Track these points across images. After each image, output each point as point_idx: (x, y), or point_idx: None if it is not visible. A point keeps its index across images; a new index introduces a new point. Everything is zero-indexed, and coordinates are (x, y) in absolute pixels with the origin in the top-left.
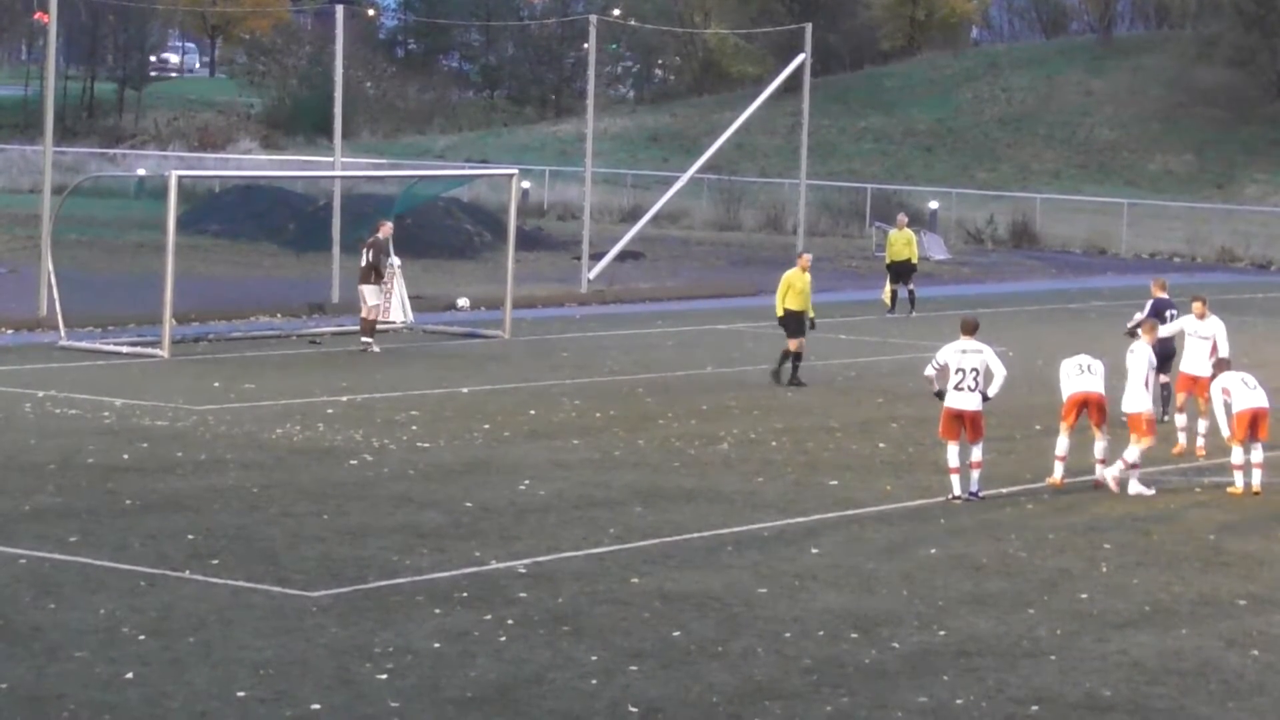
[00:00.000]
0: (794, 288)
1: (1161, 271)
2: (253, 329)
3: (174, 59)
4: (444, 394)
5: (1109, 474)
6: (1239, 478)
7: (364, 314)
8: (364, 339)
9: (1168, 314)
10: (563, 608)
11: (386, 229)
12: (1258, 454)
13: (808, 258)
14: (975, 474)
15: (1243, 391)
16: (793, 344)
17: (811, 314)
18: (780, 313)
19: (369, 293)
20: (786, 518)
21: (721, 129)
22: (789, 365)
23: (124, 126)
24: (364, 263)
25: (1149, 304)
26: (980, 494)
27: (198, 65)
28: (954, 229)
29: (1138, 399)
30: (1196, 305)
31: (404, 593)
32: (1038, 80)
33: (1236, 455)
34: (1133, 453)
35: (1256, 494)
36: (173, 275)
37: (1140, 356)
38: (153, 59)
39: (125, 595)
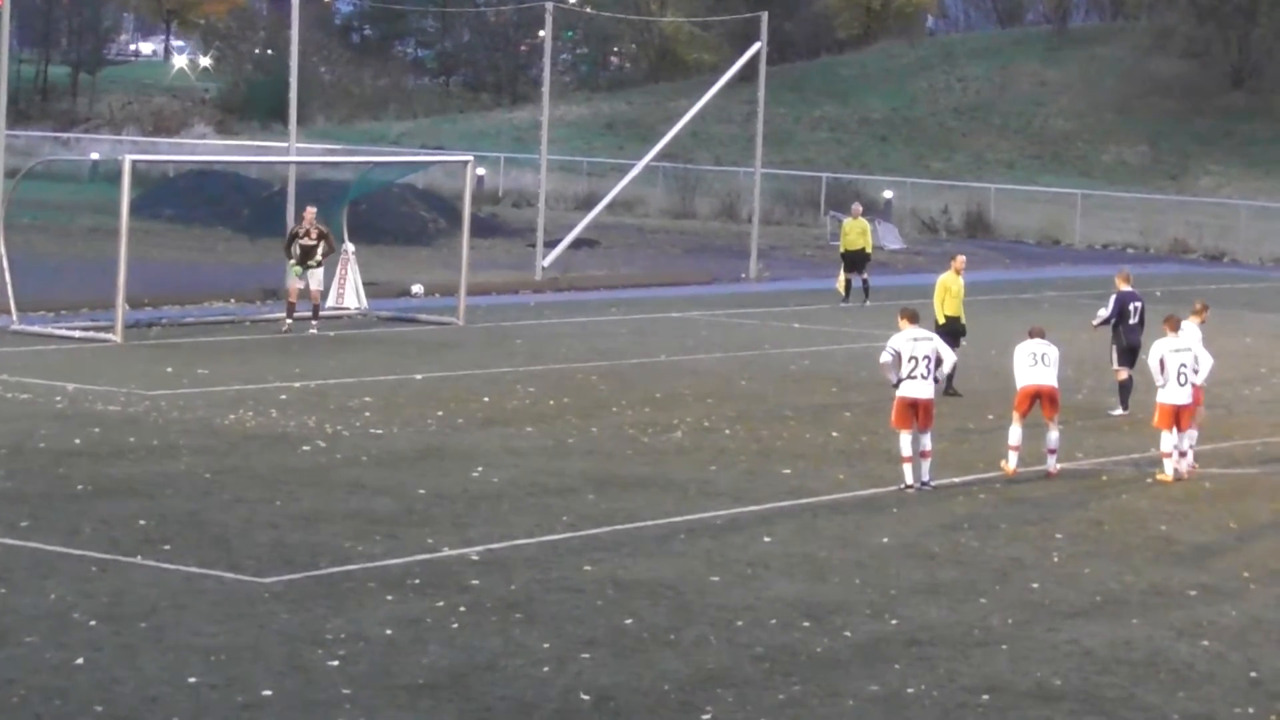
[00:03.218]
0: (950, 291)
1: (1115, 263)
2: (206, 314)
3: (145, 49)
4: (398, 380)
5: (1182, 466)
6: (1168, 465)
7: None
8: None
9: (1131, 306)
10: (515, 595)
11: (308, 215)
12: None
13: (962, 259)
14: (927, 463)
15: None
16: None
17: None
18: (941, 320)
19: (288, 275)
20: (740, 506)
21: (677, 117)
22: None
23: (78, 110)
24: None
25: (1113, 298)
26: (932, 483)
27: (174, 59)
28: (909, 218)
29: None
30: (1197, 306)
31: (356, 579)
32: (993, 70)
33: (1166, 442)
34: (1186, 439)
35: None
36: (126, 260)
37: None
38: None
39: (76, 581)
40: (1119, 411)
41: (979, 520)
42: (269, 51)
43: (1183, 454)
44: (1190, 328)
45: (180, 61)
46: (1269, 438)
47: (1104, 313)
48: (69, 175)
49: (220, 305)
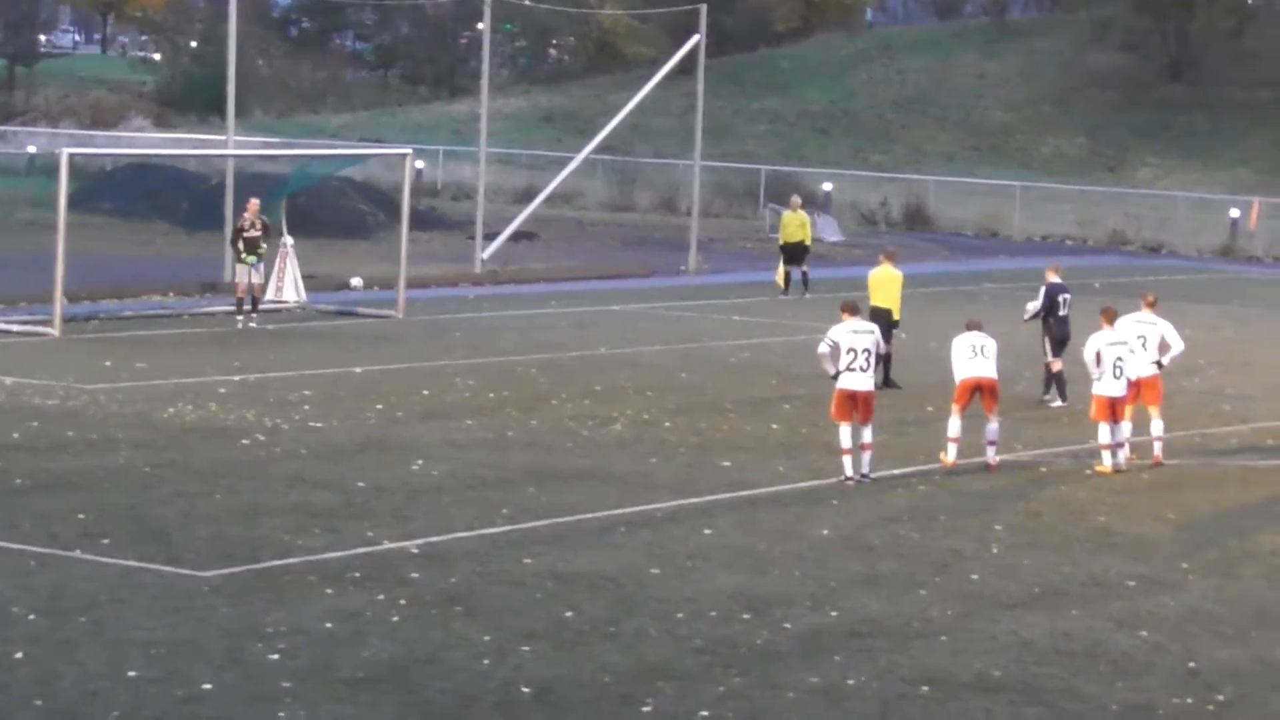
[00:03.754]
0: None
1: (1054, 255)
2: (145, 308)
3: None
4: (337, 373)
5: (1120, 458)
6: (1107, 456)
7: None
8: (237, 315)
9: (1060, 298)
10: (455, 588)
11: (251, 207)
12: (1157, 427)
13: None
14: (867, 455)
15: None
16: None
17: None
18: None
19: (238, 271)
20: (680, 498)
21: (616, 110)
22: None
23: (14, 103)
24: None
25: (1042, 289)
26: (872, 475)
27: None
28: (848, 210)
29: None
30: (1148, 299)
31: (296, 572)
32: (932, 63)
33: (1103, 434)
34: (1157, 426)
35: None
36: (64, 253)
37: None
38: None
39: (15, 575)
40: (1059, 404)
41: (918, 512)
42: (206, 45)
43: (1120, 445)
44: (1148, 316)
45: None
46: (1207, 429)
47: (1034, 306)
48: (6, 168)
49: (159, 299)
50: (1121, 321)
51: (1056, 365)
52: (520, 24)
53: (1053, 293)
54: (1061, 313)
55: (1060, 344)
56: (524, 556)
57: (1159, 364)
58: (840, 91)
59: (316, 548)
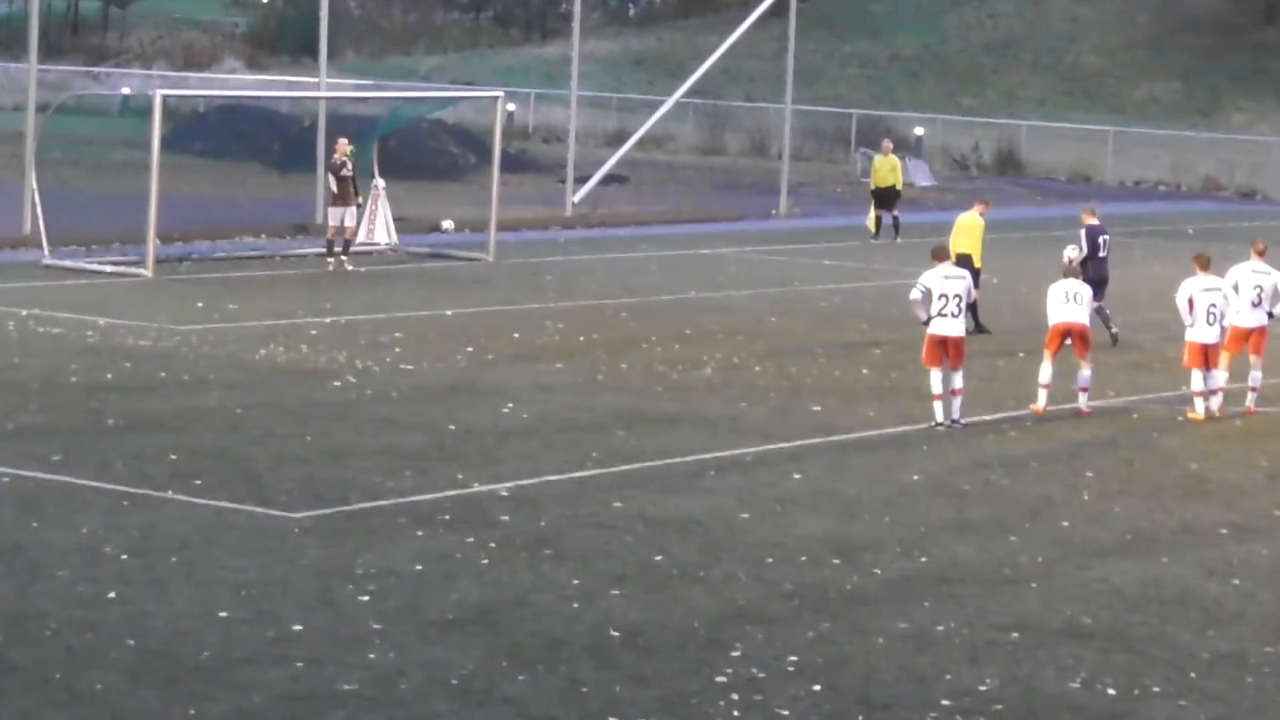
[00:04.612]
0: (963, 229)
1: (1146, 200)
2: (237, 249)
3: None
4: (428, 316)
5: (1213, 404)
6: (1199, 404)
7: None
8: (328, 258)
9: (1100, 240)
10: (545, 531)
11: (340, 147)
12: (1256, 376)
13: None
14: (957, 401)
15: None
16: None
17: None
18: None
19: (330, 214)
20: (769, 443)
21: (707, 53)
22: None
23: (108, 44)
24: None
25: (1082, 231)
26: (962, 421)
27: None
28: (939, 155)
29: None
30: (1257, 246)
31: (386, 514)
32: (1024, 6)
33: (1196, 381)
34: (1255, 376)
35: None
36: (157, 194)
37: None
38: None
39: (107, 514)
40: (1115, 329)
41: (1009, 458)
42: None
43: (1213, 393)
44: (1261, 265)
45: None
46: None
47: (1073, 251)
48: (100, 110)
49: (250, 240)
50: (1234, 270)
51: (1095, 304)
52: None
53: (1093, 234)
54: (1101, 254)
55: (1100, 285)
56: (613, 500)
57: (1270, 314)
58: (932, 35)
59: (406, 490)
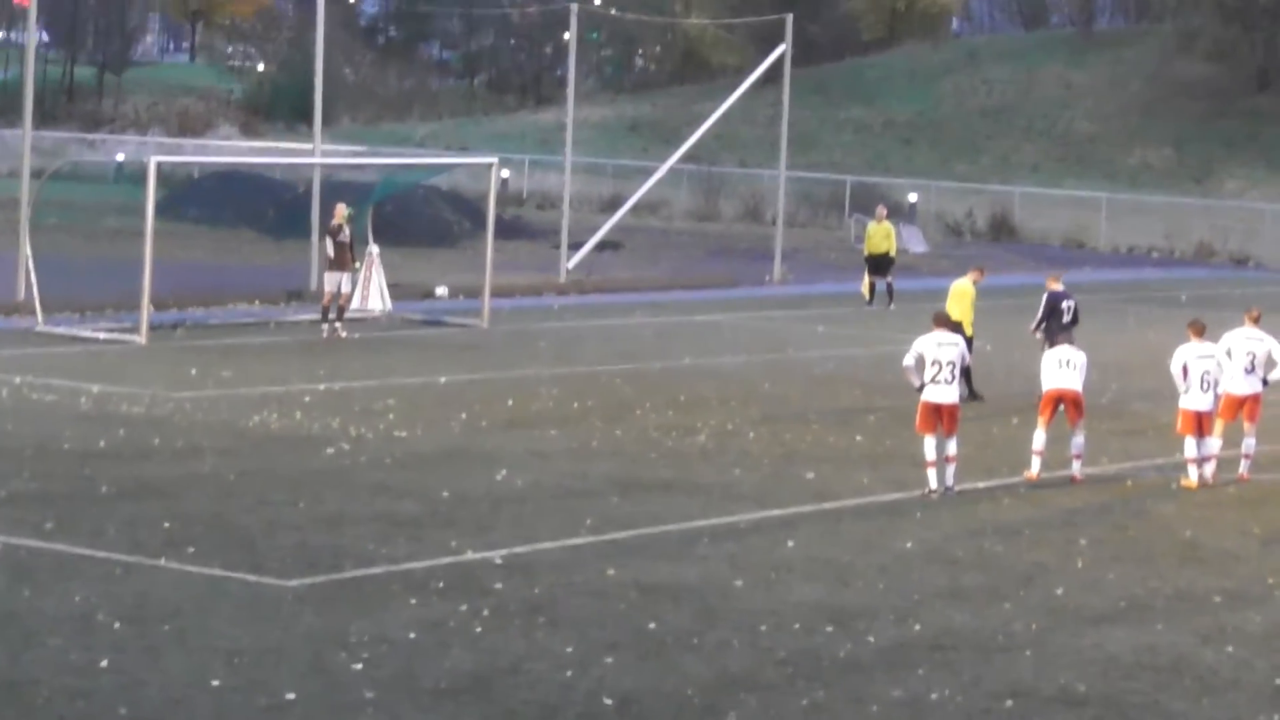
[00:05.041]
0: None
1: (1140, 266)
2: (231, 316)
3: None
4: (421, 383)
5: (1206, 472)
6: (1192, 471)
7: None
8: (322, 324)
9: (1063, 305)
10: (539, 598)
11: (339, 212)
12: (1249, 444)
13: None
14: (951, 468)
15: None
16: None
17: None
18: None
19: (327, 279)
20: (763, 510)
21: (701, 119)
22: None
23: (103, 111)
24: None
25: (1044, 297)
26: (956, 488)
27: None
28: (933, 221)
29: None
30: (1252, 314)
31: (380, 582)
32: (1017, 73)
33: (1189, 448)
34: (1249, 444)
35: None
36: (151, 261)
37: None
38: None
39: (101, 582)
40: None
41: (1003, 525)
42: (294, 53)
43: (1207, 460)
44: (1254, 332)
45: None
46: None
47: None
48: (95, 176)
49: (245, 307)
50: (1227, 336)
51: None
52: (606, 33)
53: (1053, 301)
54: (1065, 319)
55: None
56: (608, 567)
57: (1264, 381)
58: (926, 101)
59: (400, 557)
